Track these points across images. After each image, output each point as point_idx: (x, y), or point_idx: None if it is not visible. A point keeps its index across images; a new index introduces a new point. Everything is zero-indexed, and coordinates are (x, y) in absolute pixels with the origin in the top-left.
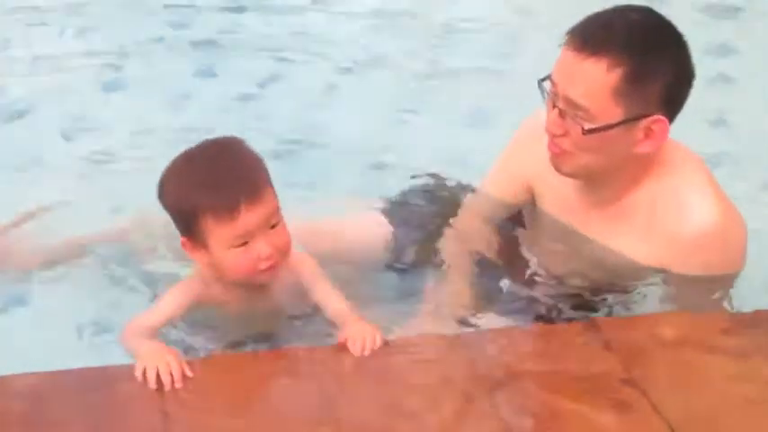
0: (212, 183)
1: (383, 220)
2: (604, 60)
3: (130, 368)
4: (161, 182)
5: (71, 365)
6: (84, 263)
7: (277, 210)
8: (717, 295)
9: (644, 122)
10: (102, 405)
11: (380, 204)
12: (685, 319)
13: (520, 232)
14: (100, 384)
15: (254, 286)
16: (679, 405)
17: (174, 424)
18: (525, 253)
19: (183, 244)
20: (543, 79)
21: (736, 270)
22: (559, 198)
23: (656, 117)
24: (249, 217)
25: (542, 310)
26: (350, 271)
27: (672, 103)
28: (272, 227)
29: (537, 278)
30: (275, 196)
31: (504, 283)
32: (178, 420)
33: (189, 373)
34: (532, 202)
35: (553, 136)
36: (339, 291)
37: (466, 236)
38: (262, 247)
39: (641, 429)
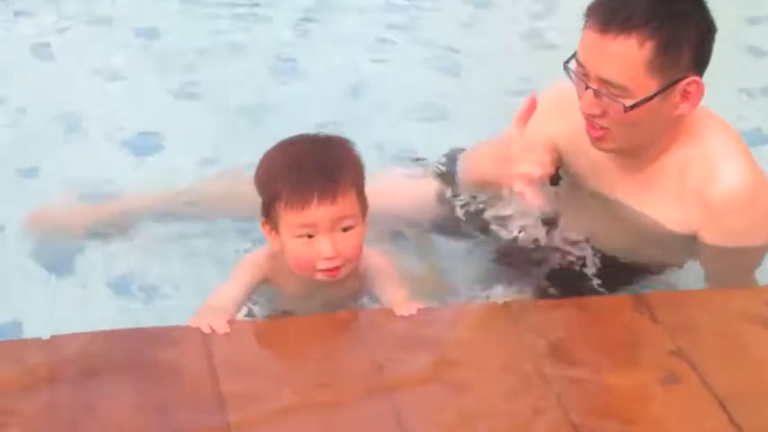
0: (295, 169)
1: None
2: (634, 37)
3: (181, 329)
4: (259, 161)
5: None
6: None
7: (353, 216)
8: (748, 265)
9: (680, 86)
10: (152, 365)
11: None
12: (731, 293)
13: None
14: (151, 344)
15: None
16: (727, 378)
17: (224, 384)
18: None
19: (262, 224)
20: (568, 60)
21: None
22: (590, 163)
23: (690, 79)
24: (318, 211)
25: (567, 279)
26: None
27: (701, 61)
28: (344, 230)
29: (565, 240)
30: (357, 204)
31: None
32: (228, 381)
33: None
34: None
35: (592, 117)
36: (407, 290)
37: None
38: (324, 245)
39: (690, 402)
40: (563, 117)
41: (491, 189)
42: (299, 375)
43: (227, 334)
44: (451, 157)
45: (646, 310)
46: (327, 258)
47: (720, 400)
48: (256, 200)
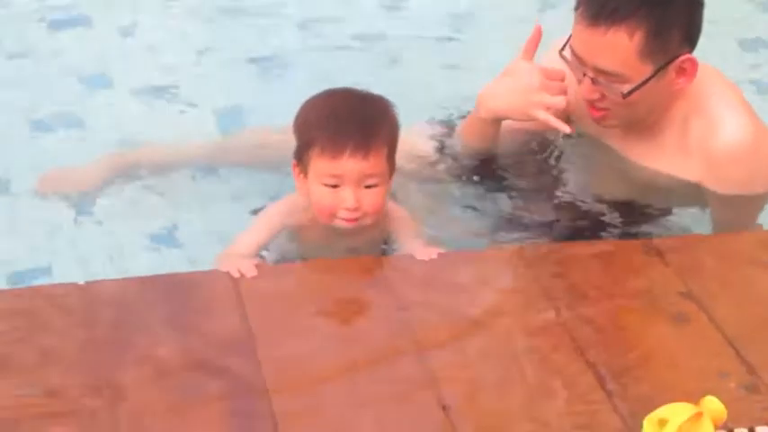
0: (334, 119)
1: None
2: (623, 28)
3: (211, 273)
4: (300, 107)
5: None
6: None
7: (380, 175)
8: (751, 212)
9: (674, 65)
10: (185, 309)
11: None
12: (738, 237)
13: (556, 148)
14: (183, 288)
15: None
16: (735, 319)
17: (256, 328)
18: (562, 169)
19: (293, 166)
20: (563, 48)
21: None
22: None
23: (683, 57)
24: (349, 163)
25: (578, 224)
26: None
27: (692, 37)
28: (368, 187)
29: (570, 196)
30: (386, 165)
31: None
32: (260, 325)
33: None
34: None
35: (591, 101)
36: (424, 238)
37: None
38: (348, 197)
39: (699, 341)
40: (568, 78)
41: (514, 121)
42: (327, 316)
43: (254, 277)
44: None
45: (656, 253)
46: (348, 209)
47: (729, 338)
48: (282, 150)
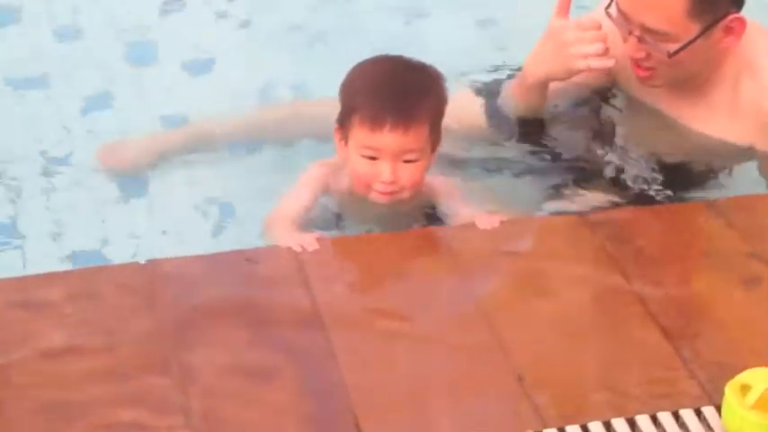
0: (376, 89)
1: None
2: None
3: (274, 249)
4: (348, 71)
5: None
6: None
7: (420, 150)
8: None
9: (722, 24)
10: (248, 286)
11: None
12: None
13: (605, 111)
14: (246, 266)
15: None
16: None
17: (322, 304)
18: (613, 131)
19: (336, 130)
20: (608, 6)
21: None
22: (642, 84)
23: (731, 17)
24: (388, 137)
25: (628, 186)
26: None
27: None
28: (407, 162)
29: (620, 156)
30: (427, 139)
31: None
32: (326, 300)
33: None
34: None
35: (637, 60)
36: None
37: None
38: (385, 170)
39: None
40: (618, 38)
41: (559, 81)
42: (392, 289)
43: (317, 251)
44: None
45: (719, 215)
46: (385, 182)
47: None
48: (327, 118)
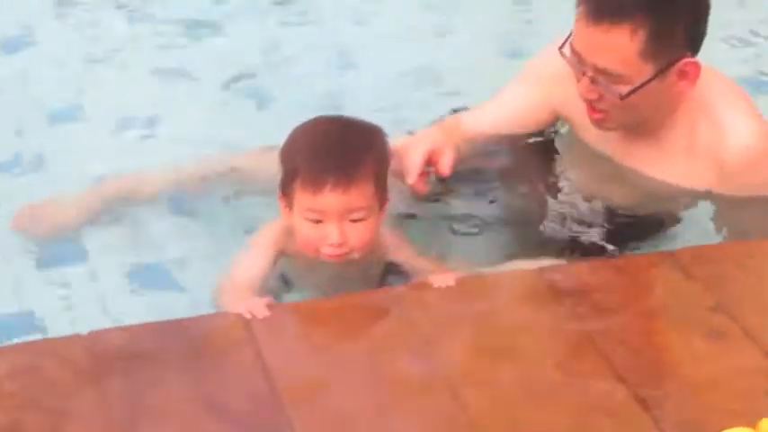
0: (315, 151)
1: None
2: (626, 27)
3: (223, 315)
4: (287, 136)
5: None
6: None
7: (365, 209)
8: (764, 216)
9: (676, 67)
10: (199, 356)
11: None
12: (760, 245)
13: (553, 160)
14: (194, 335)
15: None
16: None
17: (274, 371)
18: (561, 179)
19: (280, 197)
20: (562, 45)
21: None
22: (597, 129)
23: (685, 60)
24: (330, 198)
25: (579, 240)
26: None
27: (696, 41)
28: (354, 221)
29: (574, 206)
30: (372, 196)
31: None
32: (279, 367)
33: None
34: (554, 126)
35: (590, 102)
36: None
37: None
38: (332, 233)
39: (736, 356)
40: (566, 82)
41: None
42: (348, 354)
43: (267, 317)
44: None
45: (679, 266)
46: (333, 245)
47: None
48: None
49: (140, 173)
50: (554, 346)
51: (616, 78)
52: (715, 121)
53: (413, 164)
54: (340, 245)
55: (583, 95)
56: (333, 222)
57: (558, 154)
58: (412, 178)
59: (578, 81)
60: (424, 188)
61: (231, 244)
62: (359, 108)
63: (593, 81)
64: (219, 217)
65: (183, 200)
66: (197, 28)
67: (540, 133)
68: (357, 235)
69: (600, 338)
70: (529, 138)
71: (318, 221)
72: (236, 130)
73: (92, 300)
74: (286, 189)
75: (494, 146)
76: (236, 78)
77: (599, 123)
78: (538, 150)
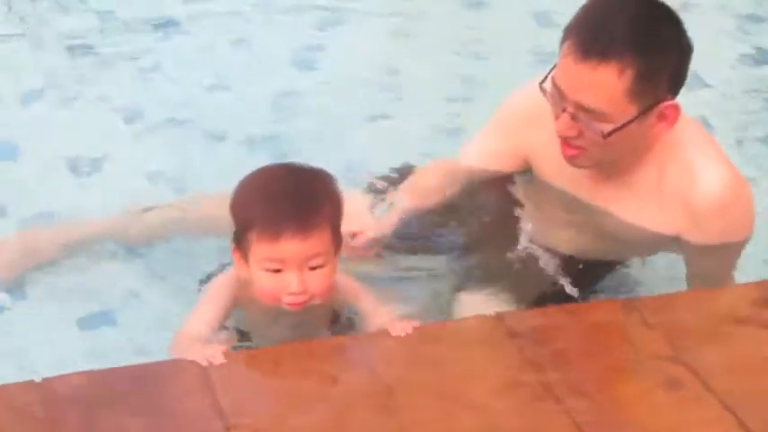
0: (269, 200)
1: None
2: (614, 65)
3: (179, 362)
4: (235, 187)
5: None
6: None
7: (323, 255)
8: (730, 259)
9: (657, 109)
10: (154, 402)
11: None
12: (717, 294)
13: (515, 205)
14: (149, 381)
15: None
16: (729, 380)
17: (232, 418)
18: (521, 226)
19: (233, 250)
20: (543, 81)
21: (748, 235)
22: (563, 171)
23: (667, 103)
24: (288, 247)
25: (541, 287)
26: None
27: (678, 84)
28: (313, 268)
29: (533, 252)
30: (330, 243)
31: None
32: (236, 414)
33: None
34: (524, 171)
35: (567, 138)
36: (391, 310)
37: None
38: (292, 281)
39: (694, 406)
40: (539, 125)
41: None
42: (305, 402)
43: (224, 364)
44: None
45: (637, 314)
46: (293, 293)
47: (726, 404)
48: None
49: (88, 217)
50: (513, 394)
51: (599, 116)
52: (685, 165)
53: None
54: (301, 293)
55: (561, 132)
56: (292, 271)
57: (523, 200)
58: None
59: (557, 118)
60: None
61: (180, 290)
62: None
63: (573, 118)
64: (169, 262)
65: (132, 245)
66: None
67: (505, 179)
68: (317, 282)
69: (560, 388)
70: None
71: (277, 271)
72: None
73: (39, 345)
74: (240, 241)
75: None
76: None
77: (572, 160)
78: (502, 198)
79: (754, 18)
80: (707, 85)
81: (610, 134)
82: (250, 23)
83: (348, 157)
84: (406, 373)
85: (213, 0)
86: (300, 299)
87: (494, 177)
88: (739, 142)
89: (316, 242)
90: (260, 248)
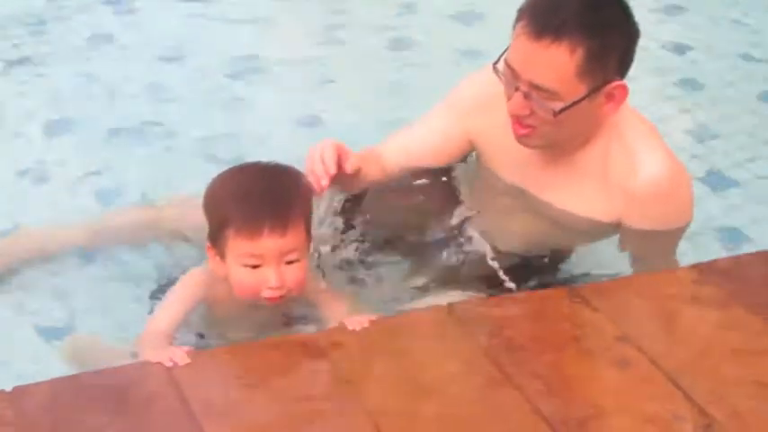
0: (246, 197)
1: None
2: (565, 44)
3: (144, 365)
4: (208, 186)
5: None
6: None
7: (300, 249)
8: (671, 244)
9: (606, 89)
10: (124, 406)
11: None
12: (660, 276)
13: (457, 194)
14: (118, 385)
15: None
16: (675, 358)
17: (200, 417)
18: (463, 214)
19: (207, 249)
20: (497, 61)
21: (689, 220)
22: (510, 158)
23: (615, 83)
24: (268, 242)
25: (484, 276)
26: None
27: (626, 66)
28: (289, 263)
29: (475, 243)
30: (304, 238)
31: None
32: (204, 413)
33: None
34: (465, 160)
35: (519, 117)
36: (349, 305)
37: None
38: (271, 276)
39: (646, 385)
40: (485, 112)
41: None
42: (272, 397)
43: (189, 364)
44: None
45: (582, 300)
46: (272, 288)
47: (673, 379)
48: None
49: (51, 225)
50: (471, 381)
51: (550, 95)
52: (628, 151)
53: (328, 158)
54: (279, 287)
55: (513, 111)
56: (271, 266)
57: (462, 190)
58: (325, 177)
59: (509, 98)
60: (323, 188)
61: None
62: None
63: (525, 96)
64: (133, 267)
65: (94, 251)
66: None
67: (447, 170)
68: (293, 275)
69: (514, 372)
70: (437, 173)
71: (256, 266)
72: None
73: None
74: (216, 239)
75: (407, 179)
76: None
77: (523, 139)
78: (443, 187)
79: None
80: None
81: (560, 112)
82: None
83: None
84: (366, 365)
85: None
86: (279, 293)
87: (438, 166)
88: None
89: (292, 237)
90: (238, 245)
